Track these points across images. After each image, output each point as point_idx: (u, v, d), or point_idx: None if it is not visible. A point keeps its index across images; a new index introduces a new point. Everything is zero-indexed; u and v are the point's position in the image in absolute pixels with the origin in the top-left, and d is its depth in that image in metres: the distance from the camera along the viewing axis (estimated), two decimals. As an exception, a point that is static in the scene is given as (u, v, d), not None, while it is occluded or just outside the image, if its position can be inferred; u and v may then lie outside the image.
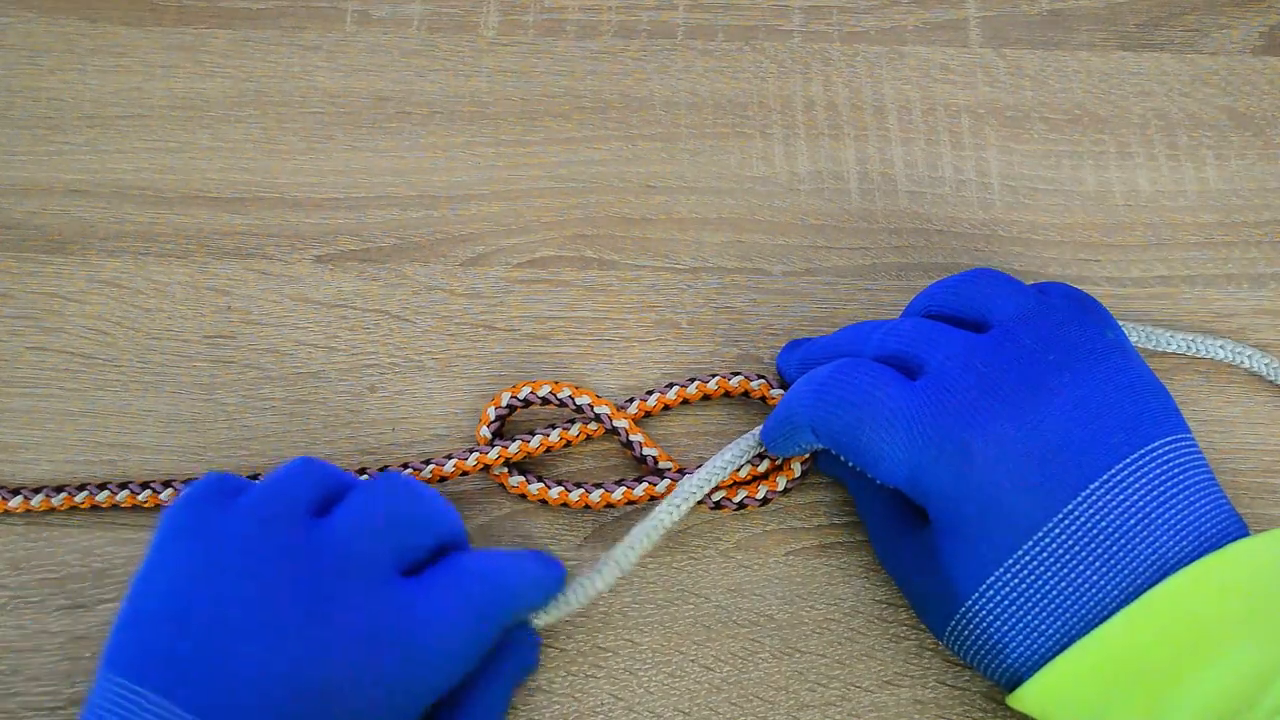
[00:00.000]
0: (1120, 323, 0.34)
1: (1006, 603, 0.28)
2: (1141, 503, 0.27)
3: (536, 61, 0.41)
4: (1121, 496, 0.27)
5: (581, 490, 0.34)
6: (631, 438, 0.34)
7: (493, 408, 0.34)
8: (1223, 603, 0.26)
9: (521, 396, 0.34)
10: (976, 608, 0.28)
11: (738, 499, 0.34)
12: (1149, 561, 0.27)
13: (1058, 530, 0.27)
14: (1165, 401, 0.29)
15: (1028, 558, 0.28)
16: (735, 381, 0.35)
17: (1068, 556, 0.27)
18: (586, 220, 0.38)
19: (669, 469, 0.34)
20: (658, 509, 0.31)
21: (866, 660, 0.33)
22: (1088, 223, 0.38)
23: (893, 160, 0.39)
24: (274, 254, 0.38)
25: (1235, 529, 0.28)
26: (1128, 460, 0.28)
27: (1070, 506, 0.27)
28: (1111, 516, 0.27)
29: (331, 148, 0.39)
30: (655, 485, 0.34)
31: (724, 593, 0.34)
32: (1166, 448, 0.28)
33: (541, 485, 0.34)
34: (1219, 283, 0.37)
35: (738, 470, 0.34)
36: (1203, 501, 0.28)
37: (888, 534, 0.32)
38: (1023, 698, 0.28)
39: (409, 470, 0.34)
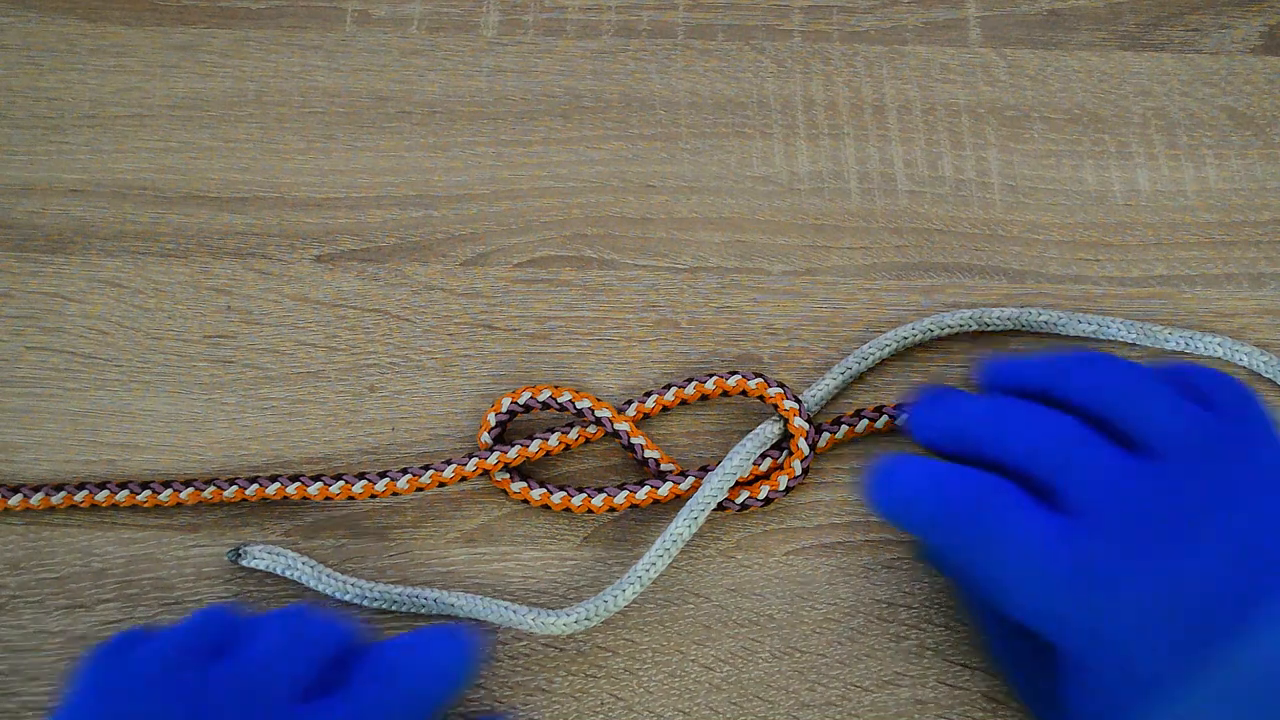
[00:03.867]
0: (1118, 320, 0.34)
1: None
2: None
3: (536, 61, 0.41)
4: (1271, 651, 0.25)
5: (584, 495, 0.34)
6: (633, 440, 0.34)
7: (493, 414, 0.34)
8: None
9: (522, 402, 0.34)
10: None
11: (740, 499, 0.34)
12: None
13: (1202, 687, 0.26)
14: None
15: (1179, 711, 0.26)
16: (733, 381, 0.35)
17: (1214, 714, 0.26)
18: (586, 220, 0.38)
19: (671, 471, 0.34)
20: (675, 523, 0.32)
21: (866, 660, 0.33)
22: (1088, 223, 0.38)
23: (893, 160, 0.39)
24: (274, 254, 0.38)
25: None
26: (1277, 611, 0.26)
27: (1220, 660, 0.26)
28: (1271, 668, 0.25)
29: (331, 148, 0.39)
30: (658, 489, 0.34)
31: (724, 593, 0.34)
32: None
33: (544, 491, 0.34)
34: (1219, 283, 0.37)
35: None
36: None
37: (1005, 645, 0.30)
38: None
39: (409, 476, 0.34)
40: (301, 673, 0.28)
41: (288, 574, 0.33)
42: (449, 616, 0.33)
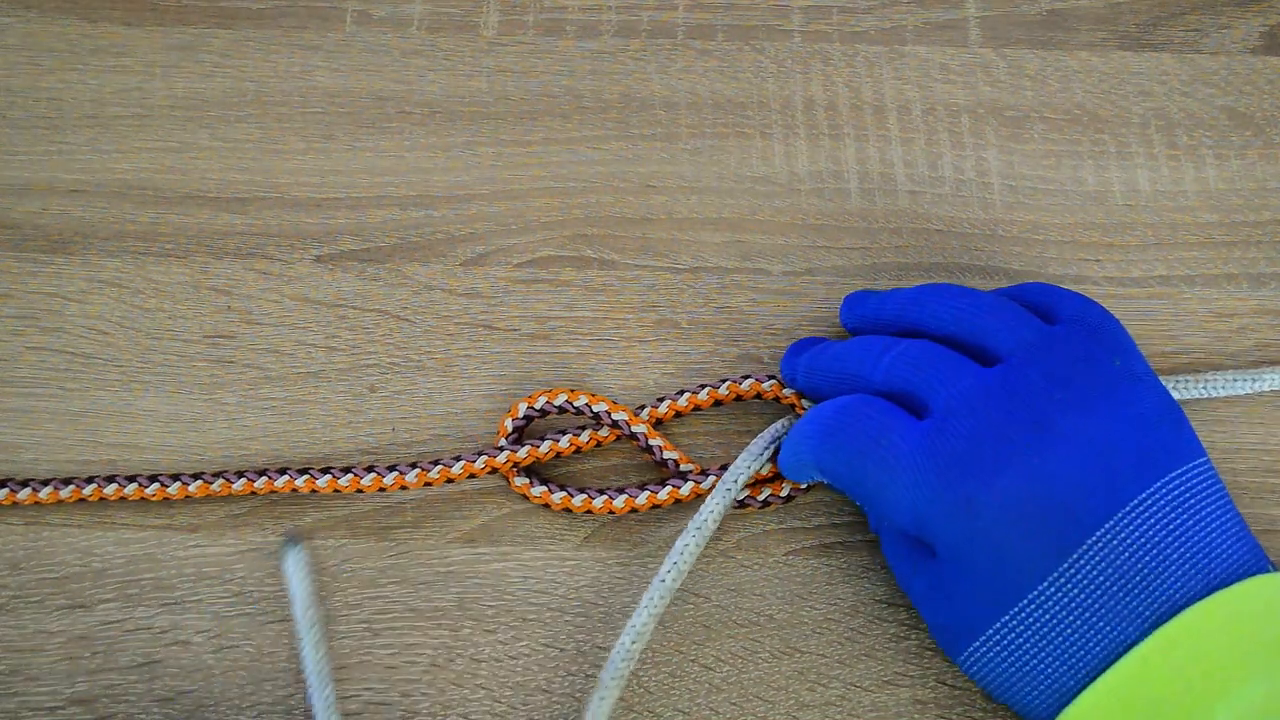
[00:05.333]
0: (1171, 379, 0.34)
1: (1017, 644, 0.28)
2: (1155, 540, 0.27)
3: (536, 61, 0.41)
4: (1134, 536, 0.27)
5: (585, 496, 0.34)
6: (651, 442, 0.34)
7: (510, 419, 0.34)
8: (1236, 638, 0.26)
9: (538, 406, 0.34)
10: (987, 648, 0.28)
11: (762, 496, 0.34)
12: (1163, 599, 0.27)
13: (1068, 575, 0.27)
14: (1177, 430, 0.29)
15: (1038, 602, 0.28)
16: (746, 385, 0.35)
17: (1081, 598, 0.27)
18: (586, 220, 0.38)
19: (691, 471, 0.34)
20: (690, 529, 0.32)
21: (866, 660, 0.33)
22: (1088, 223, 0.38)
23: (893, 160, 0.39)
24: (274, 254, 0.38)
25: (1252, 561, 0.28)
26: (1140, 498, 0.28)
27: (1080, 551, 0.27)
28: (1125, 557, 0.27)
29: (331, 148, 0.39)
30: (657, 493, 0.34)
31: (724, 593, 0.34)
32: (1179, 480, 0.28)
33: (545, 489, 0.34)
34: (1219, 283, 0.37)
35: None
36: (1218, 534, 0.28)
37: (901, 559, 0.31)
38: None
39: (418, 470, 0.33)
40: None
41: (293, 587, 0.33)
42: None
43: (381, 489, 0.33)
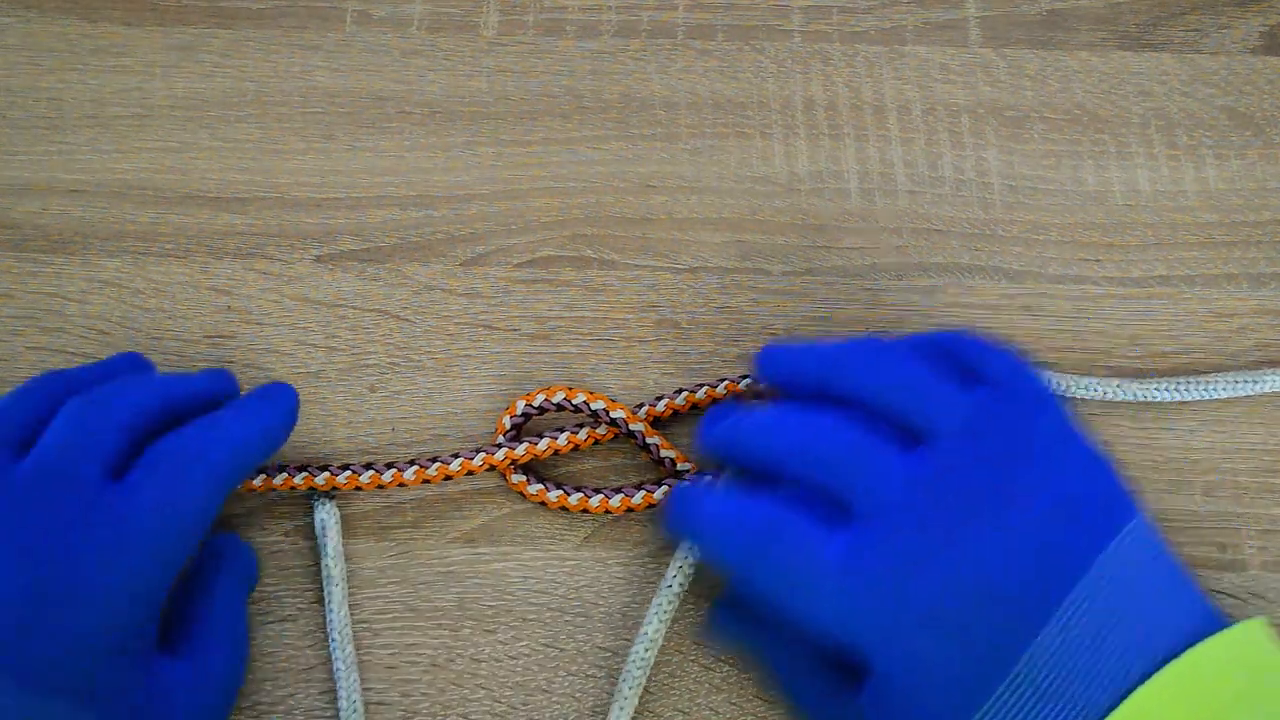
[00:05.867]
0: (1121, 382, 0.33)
1: None
2: (1098, 628, 0.26)
3: (536, 61, 0.41)
4: (1084, 618, 0.26)
5: (581, 495, 0.34)
6: (649, 440, 0.34)
7: (508, 417, 0.34)
8: (1188, 713, 0.25)
9: (537, 404, 0.34)
10: None
11: None
12: (1112, 687, 0.25)
13: (1014, 687, 0.26)
14: (1109, 496, 0.28)
15: (998, 706, 0.26)
16: (745, 384, 0.35)
17: (1041, 690, 0.26)
18: (586, 220, 0.38)
19: (688, 470, 0.34)
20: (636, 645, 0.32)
21: (866, 660, 0.33)
22: (1088, 223, 0.38)
23: (893, 160, 0.39)
24: (274, 254, 0.38)
25: (1196, 622, 0.26)
26: (1081, 584, 0.26)
27: (1032, 646, 0.26)
28: (1078, 639, 0.26)
29: (331, 148, 0.39)
30: (653, 493, 0.34)
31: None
32: (1117, 553, 0.26)
33: (541, 487, 0.34)
34: (1219, 283, 0.37)
35: None
36: (1159, 603, 0.27)
37: (812, 699, 0.30)
38: None
39: (415, 468, 0.33)
40: (108, 449, 0.29)
41: (323, 540, 0.33)
42: None
43: (380, 486, 0.33)
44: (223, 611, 0.31)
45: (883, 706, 0.27)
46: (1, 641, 0.26)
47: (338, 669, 0.32)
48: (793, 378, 0.31)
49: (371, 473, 0.33)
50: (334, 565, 0.33)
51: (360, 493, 0.34)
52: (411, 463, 0.34)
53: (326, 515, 0.34)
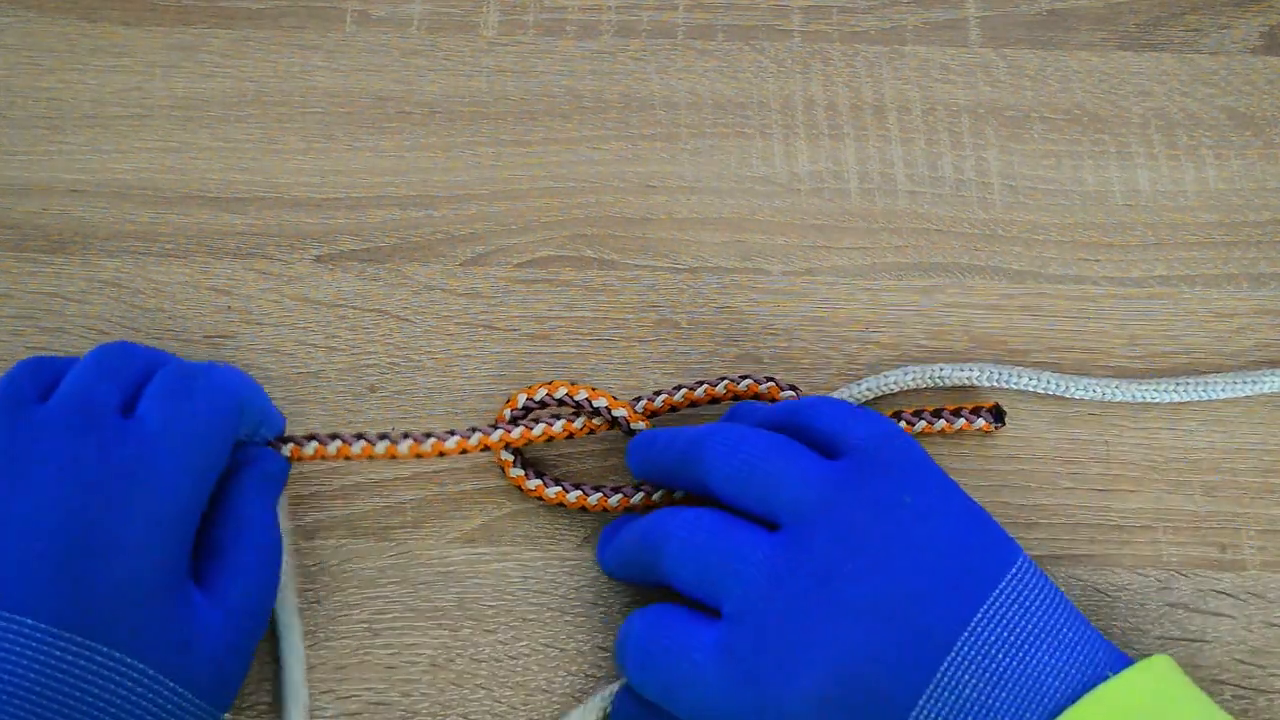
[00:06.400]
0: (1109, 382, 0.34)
1: None
2: (976, 697, 0.26)
3: (536, 61, 0.41)
4: (953, 701, 0.26)
5: (580, 492, 0.34)
6: None
7: (509, 410, 0.34)
8: None
9: (538, 398, 0.34)
10: None
11: None
12: None
13: None
14: (983, 550, 0.28)
15: None
16: (744, 385, 0.35)
17: None
18: (586, 220, 0.38)
19: None
20: None
21: (866, 660, 0.33)
22: (1088, 223, 0.38)
23: (893, 160, 0.39)
24: (274, 254, 0.38)
25: (1084, 671, 0.26)
26: (953, 653, 0.26)
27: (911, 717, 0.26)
28: (955, 710, 0.26)
29: (331, 148, 0.39)
30: (652, 495, 0.34)
31: None
32: (994, 610, 0.26)
33: (539, 482, 0.34)
34: (1219, 283, 0.37)
35: None
36: (1043, 658, 0.26)
37: None
38: None
39: (410, 440, 0.32)
40: (123, 388, 0.29)
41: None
42: None
43: (370, 456, 0.32)
44: (252, 524, 0.31)
45: None
46: (38, 583, 0.26)
47: (282, 630, 0.32)
48: (654, 471, 0.32)
49: (363, 443, 0.32)
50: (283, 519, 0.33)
51: (360, 492, 0.34)
52: (405, 435, 0.32)
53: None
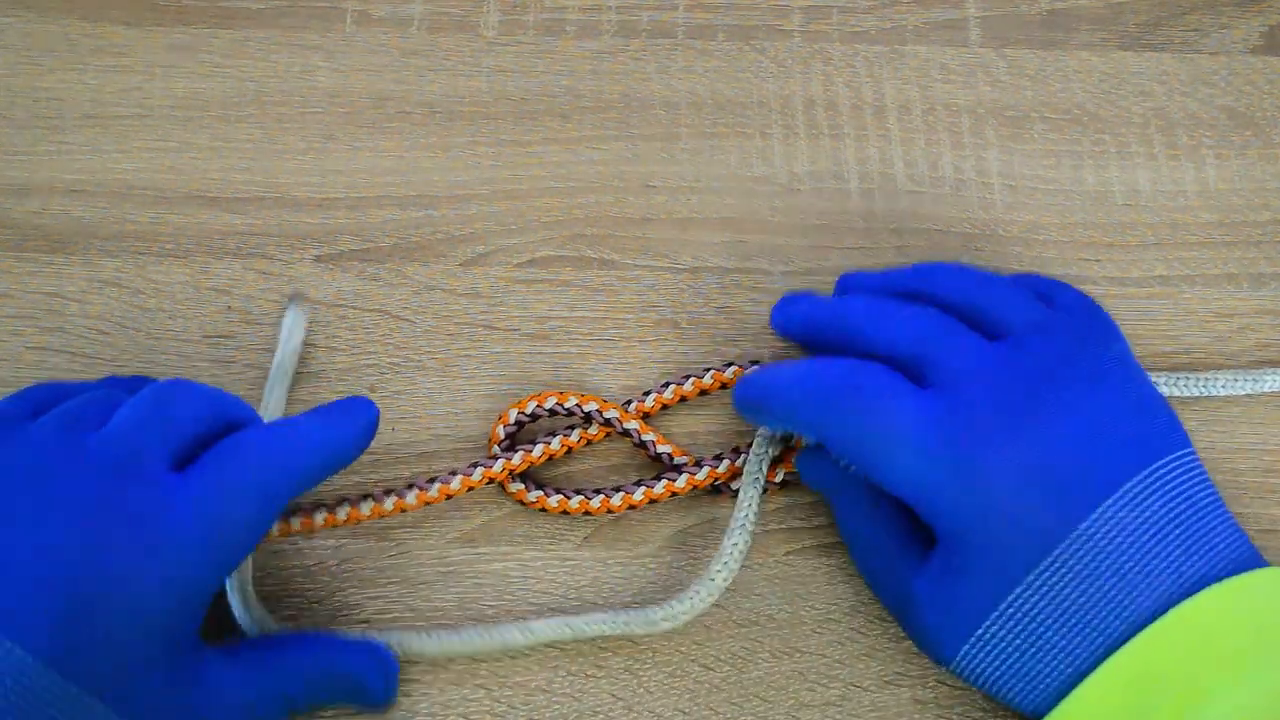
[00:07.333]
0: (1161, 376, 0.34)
1: (1024, 625, 0.28)
2: (1155, 520, 0.27)
3: (536, 61, 0.41)
4: (1135, 514, 0.27)
5: (581, 498, 0.34)
6: (644, 438, 0.34)
7: (501, 426, 0.34)
8: (1236, 631, 0.26)
9: (529, 411, 0.34)
10: (992, 633, 0.28)
11: (778, 478, 0.34)
12: (1160, 587, 0.27)
13: (1073, 550, 0.27)
14: (1169, 417, 0.29)
15: (1044, 578, 0.27)
16: (730, 372, 0.35)
17: (1086, 574, 0.27)
18: (586, 220, 0.38)
19: (685, 464, 0.34)
20: (734, 529, 0.32)
21: (866, 660, 0.33)
22: (1088, 223, 0.38)
23: (893, 160, 0.39)
24: (274, 254, 0.38)
25: (1246, 552, 0.28)
26: (1136, 479, 0.28)
27: (1083, 526, 0.27)
28: (1127, 533, 0.27)
29: (331, 148, 0.39)
30: (653, 488, 0.34)
31: (724, 592, 0.34)
32: (1173, 464, 0.28)
33: (540, 494, 0.34)
34: (1219, 283, 0.37)
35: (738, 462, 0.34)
36: (1213, 520, 0.28)
37: (881, 557, 0.31)
38: None
39: (415, 490, 0.33)
40: (174, 441, 0.28)
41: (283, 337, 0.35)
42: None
43: (381, 515, 0.33)
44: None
45: (951, 561, 0.28)
46: (49, 627, 0.25)
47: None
48: (877, 287, 0.33)
49: (371, 503, 0.32)
50: (289, 361, 0.34)
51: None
52: (410, 485, 0.33)
53: (293, 318, 0.35)
